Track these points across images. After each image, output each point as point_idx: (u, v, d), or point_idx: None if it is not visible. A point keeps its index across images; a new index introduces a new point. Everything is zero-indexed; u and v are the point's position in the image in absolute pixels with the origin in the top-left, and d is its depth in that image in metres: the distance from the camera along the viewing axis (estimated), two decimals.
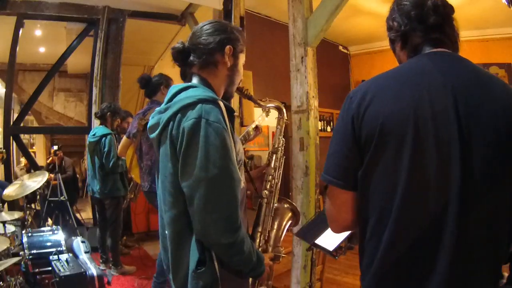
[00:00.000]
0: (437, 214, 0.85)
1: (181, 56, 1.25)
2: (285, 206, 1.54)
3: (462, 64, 0.94)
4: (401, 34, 1.00)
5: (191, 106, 1.10)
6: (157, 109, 1.24)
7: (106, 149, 3.53)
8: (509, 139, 0.84)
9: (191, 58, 1.24)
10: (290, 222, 1.54)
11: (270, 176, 1.49)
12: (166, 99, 1.23)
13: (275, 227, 1.48)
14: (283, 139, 1.58)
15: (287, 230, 1.54)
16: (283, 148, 1.57)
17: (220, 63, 1.24)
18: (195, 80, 1.24)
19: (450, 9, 0.98)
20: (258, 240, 1.40)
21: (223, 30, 1.25)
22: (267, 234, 1.43)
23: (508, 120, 0.85)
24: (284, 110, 1.62)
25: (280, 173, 1.53)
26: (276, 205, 1.48)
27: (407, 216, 0.87)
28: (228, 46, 1.24)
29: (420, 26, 0.96)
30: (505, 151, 0.85)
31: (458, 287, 0.85)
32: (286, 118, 1.61)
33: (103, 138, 3.57)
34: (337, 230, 1.08)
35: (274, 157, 1.54)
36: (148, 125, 1.26)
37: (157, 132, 1.17)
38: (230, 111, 1.19)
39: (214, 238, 1.07)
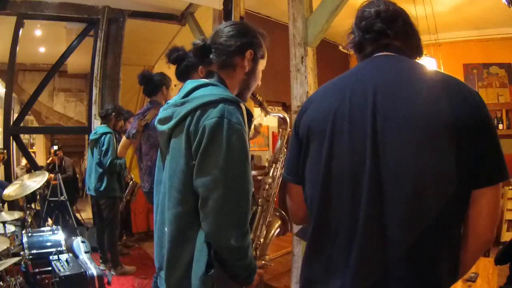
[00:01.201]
0: (351, 204, 0.90)
1: (200, 53, 1.23)
2: (275, 214, 1.54)
3: (394, 64, 0.97)
4: (354, 46, 1.07)
5: (213, 104, 1.07)
6: (170, 102, 1.20)
7: (104, 147, 3.55)
8: (430, 136, 0.84)
9: (211, 56, 1.22)
10: (278, 230, 1.54)
11: (267, 185, 1.49)
12: (181, 94, 1.19)
13: (264, 235, 1.47)
14: (285, 150, 1.58)
15: (274, 239, 1.54)
16: (284, 158, 1.57)
17: (238, 66, 1.23)
18: (214, 78, 1.21)
19: (394, 12, 1.01)
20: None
21: (246, 33, 1.23)
22: (258, 242, 1.42)
23: (431, 119, 0.84)
24: (288, 121, 1.63)
25: (278, 183, 1.52)
26: (269, 216, 1.47)
27: (325, 206, 0.96)
28: (249, 51, 1.22)
29: (369, 35, 1.02)
30: (422, 147, 0.84)
31: (365, 278, 0.87)
32: (290, 129, 1.62)
33: (103, 136, 3.60)
34: (295, 221, 1.20)
35: (273, 167, 1.54)
36: (158, 117, 1.22)
37: (169, 125, 1.13)
38: (249, 115, 1.16)
39: (225, 241, 1.05)
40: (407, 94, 0.88)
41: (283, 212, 1.56)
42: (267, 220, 1.46)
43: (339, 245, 0.93)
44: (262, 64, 1.30)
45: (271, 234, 1.50)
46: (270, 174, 1.52)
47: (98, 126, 3.91)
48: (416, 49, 1.04)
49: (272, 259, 1.46)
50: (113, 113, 3.74)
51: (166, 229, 1.15)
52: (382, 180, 0.86)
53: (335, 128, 0.94)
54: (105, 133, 3.60)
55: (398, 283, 0.85)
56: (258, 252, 1.42)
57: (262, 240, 1.45)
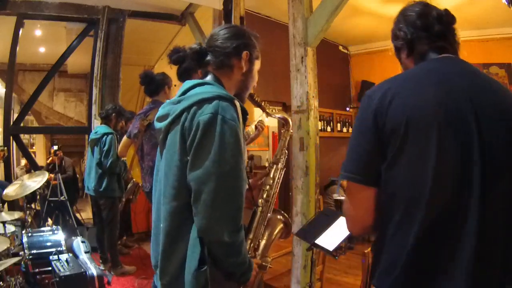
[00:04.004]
0: (462, 202, 0.88)
1: (197, 56, 1.26)
2: (278, 217, 1.54)
3: (468, 66, 1.02)
4: (407, 42, 1.07)
5: (208, 100, 1.10)
6: (169, 100, 1.24)
7: (106, 147, 3.54)
8: None
9: (208, 57, 1.25)
10: (280, 234, 1.54)
11: (268, 186, 1.49)
12: (179, 92, 1.23)
13: (266, 236, 1.47)
14: (286, 151, 1.58)
15: (276, 241, 1.53)
16: (284, 160, 1.57)
17: (235, 67, 1.26)
18: (209, 78, 1.25)
19: (452, 18, 1.06)
20: (248, 247, 1.39)
21: (241, 35, 1.27)
22: (257, 243, 1.42)
23: None
24: (291, 122, 1.63)
25: (278, 183, 1.53)
26: (269, 215, 1.47)
27: (435, 205, 0.89)
28: (245, 52, 1.25)
29: (425, 34, 1.04)
30: None
31: (481, 274, 0.88)
32: (292, 130, 1.62)
33: (105, 136, 3.58)
34: (356, 230, 1.07)
35: (274, 168, 1.54)
36: (157, 115, 1.25)
37: (167, 122, 1.17)
38: (244, 112, 1.19)
39: (217, 235, 1.06)
40: (497, 98, 0.96)
41: (286, 215, 1.56)
42: (266, 220, 1.46)
43: (452, 246, 0.89)
44: (257, 65, 1.33)
45: (273, 236, 1.50)
46: (271, 175, 1.52)
47: (98, 125, 3.89)
48: (457, 55, 1.09)
49: (272, 260, 1.45)
50: (114, 114, 3.72)
51: (161, 225, 1.16)
52: (492, 179, 0.89)
53: (443, 124, 0.90)
54: (107, 134, 3.59)
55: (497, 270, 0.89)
56: (257, 253, 1.42)
57: (263, 241, 1.45)
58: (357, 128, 0.99)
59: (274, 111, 1.60)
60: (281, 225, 1.54)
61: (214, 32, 1.29)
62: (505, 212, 0.90)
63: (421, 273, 0.90)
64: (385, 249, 0.96)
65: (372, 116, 0.94)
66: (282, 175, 1.55)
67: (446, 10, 1.06)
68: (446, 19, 1.04)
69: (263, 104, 1.54)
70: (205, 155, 1.05)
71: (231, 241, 1.07)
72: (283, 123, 1.65)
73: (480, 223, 0.87)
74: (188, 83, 1.23)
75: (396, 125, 0.91)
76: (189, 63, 1.34)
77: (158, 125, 1.23)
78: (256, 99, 1.48)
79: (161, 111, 1.24)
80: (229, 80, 1.26)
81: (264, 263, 1.39)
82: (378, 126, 0.93)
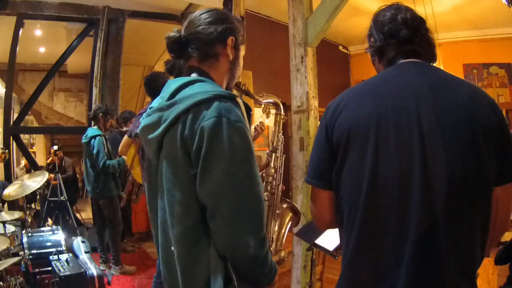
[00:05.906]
0: (400, 208, 0.92)
1: (177, 46, 1.10)
2: (285, 206, 1.48)
3: (428, 71, 1.01)
4: (376, 49, 1.09)
5: (206, 103, 0.96)
6: (154, 106, 1.07)
7: (95, 150, 3.56)
8: (472, 141, 0.91)
9: (189, 49, 1.09)
10: (291, 222, 1.47)
11: (271, 177, 1.42)
12: (165, 95, 1.06)
13: (276, 229, 1.41)
14: (282, 136, 1.54)
15: (289, 231, 1.49)
16: (282, 146, 1.53)
17: (221, 55, 1.10)
18: (195, 75, 1.09)
19: (420, 21, 1.05)
20: None
21: (224, 19, 1.11)
22: (270, 239, 1.37)
23: (472, 125, 0.91)
24: (281, 105, 1.59)
25: (281, 173, 1.47)
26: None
27: (371, 211, 0.95)
28: (230, 37, 1.10)
29: (393, 40, 1.04)
30: (466, 151, 0.91)
31: (422, 281, 0.91)
32: (284, 114, 1.59)
33: (92, 140, 3.60)
34: (320, 226, 1.18)
35: (273, 156, 1.47)
36: (141, 124, 1.09)
37: (158, 132, 1.01)
38: (248, 109, 1.07)
39: (242, 250, 0.96)
40: (451, 102, 0.93)
41: (292, 203, 1.51)
42: (275, 213, 1.41)
43: (388, 250, 0.93)
44: (243, 51, 1.19)
45: (284, 228, 1.44)
46: (271, 164, 1.46)
47: (89, 128, 3.90)
48: (432, 56, 1.08)
49: (288, 254, 1.41)
50: (101, 113, 3.72)
51: (173, 248, 1.03)
52: (432, 183, 0.90)
53: (379, 133, 0.94)
54: (94, 136, 3.61)
55: (450, 279, 0.91)
56: (272, 249, 1.38)
57: (275, 235, 1.40)
58: (315, 138, 1.08)
59: (263, 96, 1.54)
60: (290, 213, 1.48)
61: (194, 17, 1.12)
62: (450, 222, 0.91)
63: (359, 276, 0.97)
64: (343, 246, 1.05)
65: (324, 129, 1.03)
66: (283, 162, 1.50)
67: (412, 14, 1.05)
68: (412, 23, 1.03)
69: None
70: (215, 165, 0.93)
71: (258, 253, 0.98)
72: (275, 108, 1.59)
73: (419, 235, 0.90)
74: (174, 83, 1.06)
75: (340, 136, 0.99)
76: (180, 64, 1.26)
77: (145, 136, 1.06)
78: (243, 87, 1.41)
79: (147, 119, 1.06)
80: (217, 72, 1.11)
81: (280, 259, 1.33)
82: (328, 138, 1.02)
